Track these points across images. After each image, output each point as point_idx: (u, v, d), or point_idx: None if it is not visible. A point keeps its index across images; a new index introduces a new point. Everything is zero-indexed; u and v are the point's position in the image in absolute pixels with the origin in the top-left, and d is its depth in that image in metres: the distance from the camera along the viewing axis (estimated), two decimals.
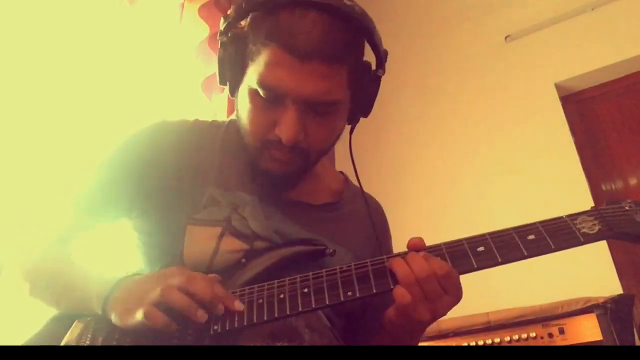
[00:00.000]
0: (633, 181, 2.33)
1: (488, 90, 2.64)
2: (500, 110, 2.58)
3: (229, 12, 0.84)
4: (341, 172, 1.05)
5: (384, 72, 0.86)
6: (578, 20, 2.47)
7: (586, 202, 2.17)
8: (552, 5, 2.55)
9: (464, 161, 2.59)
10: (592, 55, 2.41)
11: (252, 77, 0.78)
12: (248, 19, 0.81)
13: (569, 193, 2.21)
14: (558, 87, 2.48)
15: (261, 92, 0.77)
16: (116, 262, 1.35)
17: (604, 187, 2.36)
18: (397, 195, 2.62)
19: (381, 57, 0.85)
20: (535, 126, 2.45)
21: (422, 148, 2.75)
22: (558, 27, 2.52)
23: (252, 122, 0.81)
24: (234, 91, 0.86)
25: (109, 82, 1.75)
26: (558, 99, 2.46)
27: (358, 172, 0.96)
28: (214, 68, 2.09)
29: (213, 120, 0.99)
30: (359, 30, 0.79)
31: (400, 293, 0.69)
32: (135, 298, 0.69)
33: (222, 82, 0.86)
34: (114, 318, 0.71)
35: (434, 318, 0.71)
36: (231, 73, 0.83)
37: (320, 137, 0.83)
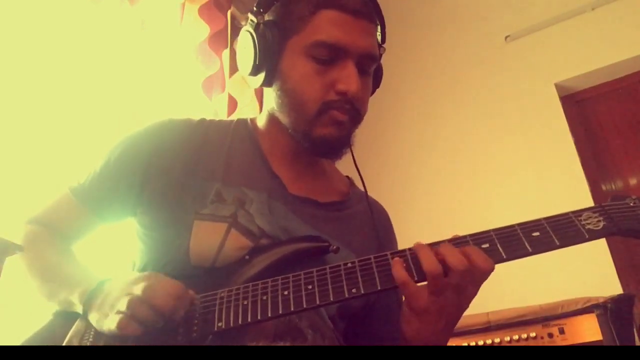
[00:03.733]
0: (633, 181, 2.33)
1: (488, 90, 2.64)
2: (500, 110, 2.58)
3: (256, 3, 0.89)
4: (347, 176, 1.06)
5: (385, 50, 0.94)
6: (578, 20, 2.48)
7: (586, 202, 2.17)
8: (552, 5, 2.55)
9: (464, 161, 2.60)
10: (592, 55, 2.41)
11: (304, 44, 0.84)
12: (279, 5, 0.88)
13: (569, 193, 2.22)
14: (558, 87, 2.48)
15: (320, 53, 0.83)
16: (117, 257, 1.35)
17: (604, 187, 2.36)
18: (398, 196, 2.62)
19: (385, 33, 0.94)
20: (535, 126, 2.45)
21: (422, 148, 2.75)
22: (558, 27, 2.52)
23: (309, 87, 0.84)
24: (272, 76, 0.87)
25: (109, 82, 1.75)
26: (558, 99, 2.46)
27: (361, 174, 0.97)
28: (214, 68, 2.10)
29: (220, 119, 0.99)
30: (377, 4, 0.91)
31: (407, 288, 0.68)
32: (108, 305, 0.71)
33: (257, 70, 0.87)
34: (93, 323, 0.73)
35: (461, 311, 0.72)
36: (272, 55, 0.86)
37: (365, 97, 0.89)
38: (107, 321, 0.70)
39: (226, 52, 2.16)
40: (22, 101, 1.48)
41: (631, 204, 0.70)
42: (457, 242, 0.72)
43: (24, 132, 1.47)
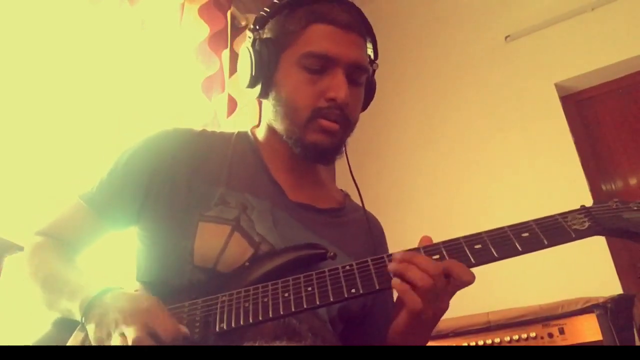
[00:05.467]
0: (633, 181, 2.33)
1: (488, 90, 2.64)
2: (500, 110, 2.58)
3: (253, 21, 0.95)
4: (342, 190, 1.09)
5: (377, 66, 1.00)
6: (578, 20, 2.48)
7: (586, 202, 2.16)
8: (552, 5, 2.55)
9: (464, 161, 2.60)
10: (592, 55, 2.41)
11: (296, 55, 0.89)
12: (274, 22, 0.93)
13: (569, 193, 2.22)
14: (558, 87, 2.48)
15: (311, 63, 0.87)
16: (119, 263, 1.35)
17: (604, 187, 2.36)
18: (397, 196, 2.62)
19: (377, 50, 0.99)
20: (535, 126, 2.45)
21: (422, 148, 2.75)
22: (558, 27, 2.52)
23: (301, 95, 0.88)
24: (268, 87, 0.92)
25: (109, 82, 1.75)
26: (558, 99, 2.46)
27: (357, 180, 1.00)
28: (214, 68, 2.10)
29: (221, 132, 1.03)
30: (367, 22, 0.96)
31: (413, 300, 0.70)
32: (105, 330, 0.70)
33: (254, 82, 0.93)
34: (90, 335, 0.72)
35: (440, 316, 0.74)
36: (267, 68, 0.91)
37: (356, 106, 0.93)
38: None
39: (226, 52, 2.16)
40: (21, 102, 1.48)
41: (613, 206, 0.75)
42: (429, 249, 0.74)
43: (23, 134, 1.47)
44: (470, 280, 0.71)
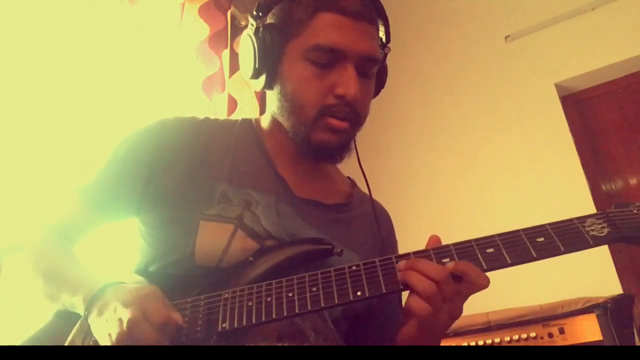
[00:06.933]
0: (633, 181, 2.33)
1: (488, 90, 2.64)
2: (500, 110, 2.58)
3: (256, 7, 0.89)
4: (349, 177, 1.06)
5: (389, 50, 0.94)
6: (578, 20, 2.48)
7: (586, 202, 2.17)
8: (552, 5, 2.55)
9: (464, 161, 2.60)
10: (592, 55, 2.41)
11: (303, 47, 0.83)
12: (278, 8, 0.88)
13: (569, 193, 2.22)
14: (558, 87, 2.48)
15: (318, 57, 0.82)
16: (119, 256, 1.35)
17: (604, 187, 2.36)
18: (398, 196, 2.62)
19: (389, 32, 0.93)
20: (535, 126, 2.45)
21: (422, 148, 2.75)
22: (558, 27, 2.52)
23: (307, 91, 0.84)
24: (272, 79, 0.88)
25: (109, 82, 1.75)
26: (558, 99, 2.46)
27: (366, 177, 0.98)
28: (214, 68, 2.10)
29: (224, 119, 1.00)
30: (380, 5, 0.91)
31: (419, 307, 0.68)
32: (104, 320, 0.70)
33: (258, 73, 0.88)
34: (92, 329, 0.73)
35: (453, 319, 0.72)
36: (271, 59, 0.86)
37: (366, 100, 0.89)
38: (99, 339, 0.70)
39: (226, 52, 2.16)
40: (21, 102, 1.48)
41: (635, 211, 0.70)
42: (439, 252, 0.72)
43: (23, 133, 1.47)
44: (485, 284, 0.68)
